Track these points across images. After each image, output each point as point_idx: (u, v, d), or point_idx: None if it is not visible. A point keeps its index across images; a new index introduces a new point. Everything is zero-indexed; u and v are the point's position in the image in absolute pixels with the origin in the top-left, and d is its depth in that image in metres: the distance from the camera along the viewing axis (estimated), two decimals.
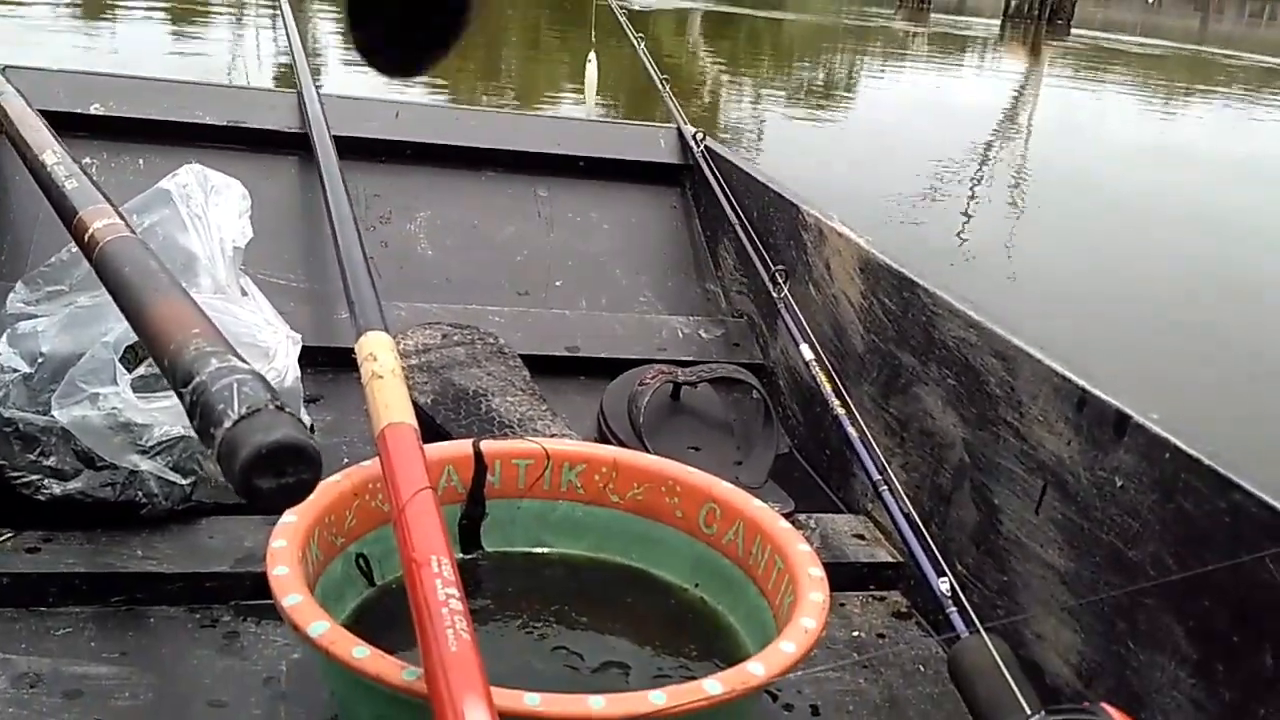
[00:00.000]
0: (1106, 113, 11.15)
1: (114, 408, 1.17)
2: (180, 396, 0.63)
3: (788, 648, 0.89)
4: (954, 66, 14.02)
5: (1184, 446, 1.00)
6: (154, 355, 0.69)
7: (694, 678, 0.84)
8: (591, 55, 3.31)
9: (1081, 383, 1.13)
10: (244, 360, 0.64)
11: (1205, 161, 8.37)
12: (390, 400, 0.91)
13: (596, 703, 0.79)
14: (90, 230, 0.91)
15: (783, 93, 10.04)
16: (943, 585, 1.09)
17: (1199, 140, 9.73)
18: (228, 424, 0.57)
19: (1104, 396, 1.10)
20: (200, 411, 0.60)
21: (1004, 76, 13.58)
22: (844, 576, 1.30)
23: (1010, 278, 4.95)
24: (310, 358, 1.47)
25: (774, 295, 1.67)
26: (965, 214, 5.90)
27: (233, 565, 1.16)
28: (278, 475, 0.55)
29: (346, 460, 1.12)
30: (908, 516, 1.20)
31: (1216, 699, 0.93)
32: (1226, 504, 0.94)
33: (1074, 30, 20.12)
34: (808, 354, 1.52)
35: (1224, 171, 7.96)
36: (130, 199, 1.35)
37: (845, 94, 10.60)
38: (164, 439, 1.19)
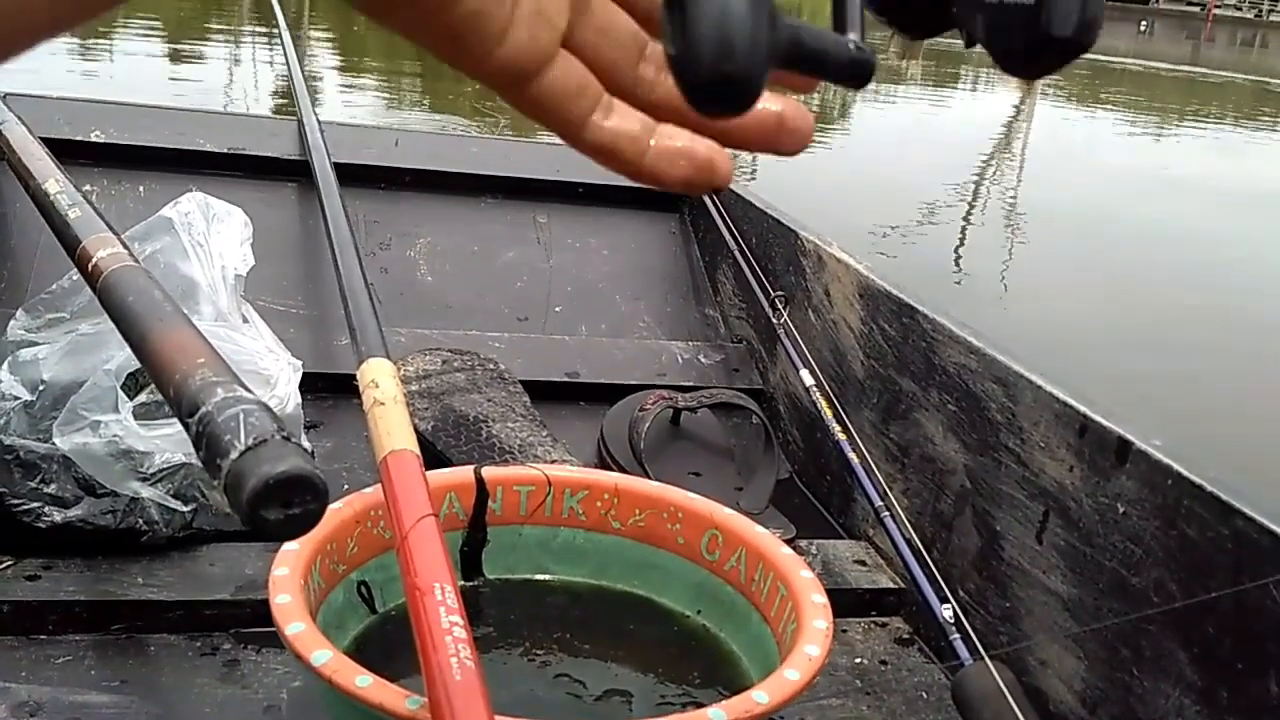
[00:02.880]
0: (1103, 134, 11.20)
1: (115, 435, 1.17)
2: (186, 426, 0.63)
3: (792, 675, 0.89)
4: (948, 90, 14.09)
5: (1186, 473, 1.00)
6: (159, 385, 0.69)
7: (697, 705, 0.84)
8: None
9: (1083, 409, 1.13)
10: (250, 390, 0.64)
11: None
12: (392, 427, 0.91)
13: None
14: (94, 260, 0.91)
15: None
16: (945, 612, 1.09)
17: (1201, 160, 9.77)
18: (234, 455, 0.57)
19: (1106, 423, 1.10)
20: (206, 442, 0.60)
21: (998, 100, 13.64)
22: (845, 602, 1.30)
23: (1000, 299, 4.97)
24: (311, 384, 1.47)
25: (773, 321, 1.67)
26: (956, 253, 5.90)
27: (233, 593, 1.16)
28: (285, 506, 0.55)
29: (346, 487, 1.12)
30: (909, 542, 1.20)
31: None
32: (1229, 530, 0.94)
33: None
34: (808, 379, 1.52)
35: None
36: (131, 226, 1.36)
37: (839, 119, 10.65)
38: (165, 466, 1.19)
